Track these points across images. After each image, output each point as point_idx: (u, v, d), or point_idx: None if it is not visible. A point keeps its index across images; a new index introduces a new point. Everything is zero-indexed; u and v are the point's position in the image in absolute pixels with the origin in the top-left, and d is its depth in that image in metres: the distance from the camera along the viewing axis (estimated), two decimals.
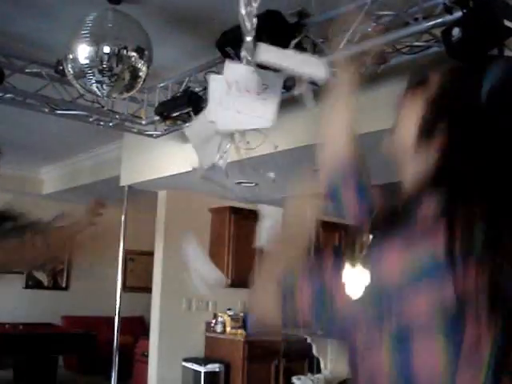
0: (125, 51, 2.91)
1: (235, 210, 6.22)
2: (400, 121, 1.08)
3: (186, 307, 5.94)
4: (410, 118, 1.03)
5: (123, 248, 5.66)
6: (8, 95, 3.80)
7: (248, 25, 1.33)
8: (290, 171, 5.12)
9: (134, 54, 2.95)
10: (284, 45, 2.90)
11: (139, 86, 3.18)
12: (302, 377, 5.29)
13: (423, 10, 2.60)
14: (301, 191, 1.16)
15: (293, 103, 3.74)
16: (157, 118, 4.14)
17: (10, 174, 7.25)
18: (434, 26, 2.56)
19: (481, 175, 0.90)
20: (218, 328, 5.99)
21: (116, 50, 2.89)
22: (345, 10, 2.83)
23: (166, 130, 4.43)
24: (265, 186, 5.40)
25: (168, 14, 3.23)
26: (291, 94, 3.47)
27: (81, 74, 2.97)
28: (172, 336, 5.79)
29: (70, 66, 2.98)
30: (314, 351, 5.51)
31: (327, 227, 5.58)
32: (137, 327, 7.68)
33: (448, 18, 2.46)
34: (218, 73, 3.62)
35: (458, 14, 2.39)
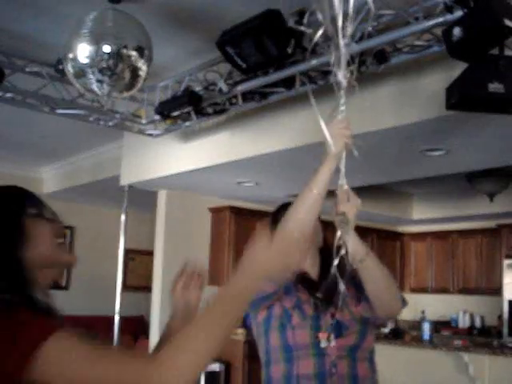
0: (125, 50, 2.91)
1: (235, 210, 6.22)
2: None
3: None
4: None
5: (123, 247, 5.65)
6: (8, 94, 3.80)
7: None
8: (289, 171, 5.12)
9: (134, 53, 2.94)
10: (284, 44, 2.90)
11: (139, 85, 3.18)
12: None
13: (424, 9, 2.60)
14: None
15: (292, 103, 3.75)
16: (157, 117, 4.14)
17: (10, 173, 7.25)
18: (434, 26, 2.56)
19: None
20: None
21: (116, 49, 2.88)
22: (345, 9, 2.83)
23: (166, 130, 4.43)
24: (265, 185, 5.40)
25: (168, 13, 3.23)
26: (291, 94, 3.48)
27: (81, 73, 2.97)
28: None
29: (70, 65, 2.98)
30: None
31: None
32: (137, 327, 7.67)
33: (449, 17, 2.46)
34: (218, 72, 3.63)
35: (459, 13, 2.39)
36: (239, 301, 1.11)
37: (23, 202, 1.17)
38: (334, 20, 1.39)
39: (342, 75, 1.48)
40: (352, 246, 1.67)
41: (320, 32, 1.47)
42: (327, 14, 1.36)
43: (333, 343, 1.76)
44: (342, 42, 1.40)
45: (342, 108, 1.60)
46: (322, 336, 1.76)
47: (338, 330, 1.79)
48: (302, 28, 2.85)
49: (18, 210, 1.15)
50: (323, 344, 1.75)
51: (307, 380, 1.75)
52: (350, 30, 1.39)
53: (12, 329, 1.00)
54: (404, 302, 1.89)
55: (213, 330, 1.06)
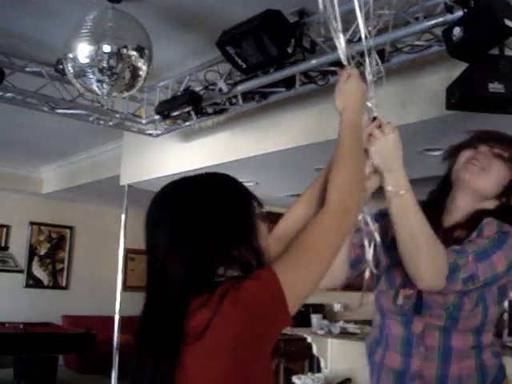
0: (125, 50, 2.91)
1: None
2: (494, 170, 1.62)
3: None
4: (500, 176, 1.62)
5: (123, 247, 5.65)
6: (8, 94, 3.80)
7: None
8: (289, 171, 5.11)
9: (134, 52, 2.95)
10: (284, 44, 2.90)
11: (139, 85, 3.18)
12: (303, 376, 5.28)
13: (424, 9, 2.60)
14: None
15: (292, 103, 3.75)
16: (157, 117, 4.14)
17: (9, 173, 7.25)
18: (434, 26, 2.56)
19: None
20: None
21: (116, 49, 2.89)
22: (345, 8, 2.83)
23: (166, 129, 4.43)
24: (265, 185, 5.40)
25: (168, 12, 3.23)
26: (291, 94, 3.48)
27: (81, 73, 2.97)
28: None
29: (70, 65, 2.98)
30: (315, 351, 5.50)
31: None
32: (137, 327, 7.67)
33: (449, 17, 2.46)
34: (218, 72, 3.63)
35: (459, 13, 2.39)
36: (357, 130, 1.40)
37: (253, 200, 1.22)
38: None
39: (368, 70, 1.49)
40: (390, 178, 1.52)
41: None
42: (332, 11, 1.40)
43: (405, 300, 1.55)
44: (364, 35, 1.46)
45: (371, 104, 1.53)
46: (403, 293, 1.55)
47: (417, 308, 1.53)
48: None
49: (251, 207, 1.20)
50: (399, 301, 1.55)
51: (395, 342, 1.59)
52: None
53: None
54: (454, 274, 1.42)
55: (352, 159, 1.32)
